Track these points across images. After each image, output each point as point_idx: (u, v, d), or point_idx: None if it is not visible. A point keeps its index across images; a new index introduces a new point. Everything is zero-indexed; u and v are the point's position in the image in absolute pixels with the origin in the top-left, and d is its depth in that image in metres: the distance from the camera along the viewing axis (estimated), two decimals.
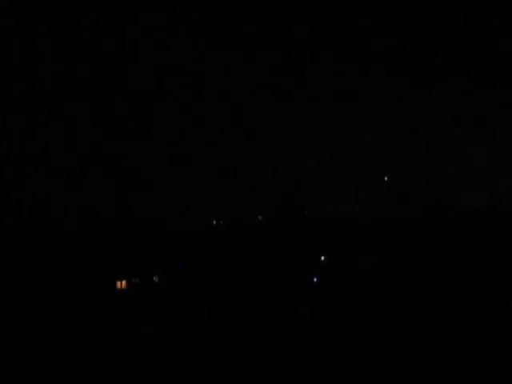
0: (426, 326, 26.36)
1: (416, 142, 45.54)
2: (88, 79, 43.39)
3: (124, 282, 39.33)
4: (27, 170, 41.05)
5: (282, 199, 44.01)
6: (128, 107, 44.21)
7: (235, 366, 22.44)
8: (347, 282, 36.18)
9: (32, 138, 41.96)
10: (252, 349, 24.08)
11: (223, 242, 41.77)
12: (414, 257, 38.27)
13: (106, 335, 27.22)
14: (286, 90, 46.27)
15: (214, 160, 44.64)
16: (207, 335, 26.52)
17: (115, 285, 39.16)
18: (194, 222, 44.34)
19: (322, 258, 40.54)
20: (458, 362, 21.70)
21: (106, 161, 43.00)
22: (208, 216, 44.84)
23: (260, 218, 45.14)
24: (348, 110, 45.86)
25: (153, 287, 39.53)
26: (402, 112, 45.73)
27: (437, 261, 37.29)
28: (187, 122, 45.15)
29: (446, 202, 44.47)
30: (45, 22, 41.66)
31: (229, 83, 46.12)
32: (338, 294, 33.95)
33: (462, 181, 45.04)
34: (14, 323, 28.09)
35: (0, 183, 39.68)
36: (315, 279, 38.00)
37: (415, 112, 45.89)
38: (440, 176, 44.96)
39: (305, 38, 45.42)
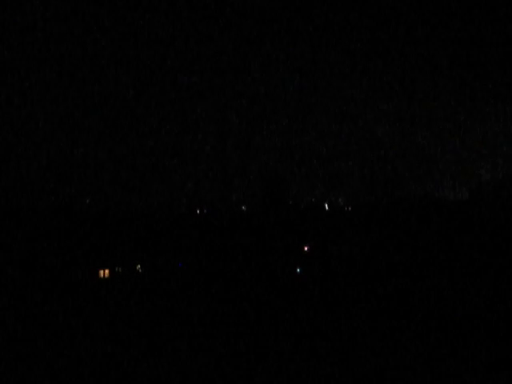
0: (411, 313, 26.60)
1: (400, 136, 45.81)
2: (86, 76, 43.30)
3: (107, 271, 39.21)
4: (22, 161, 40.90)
5: (266, 189, 44.07)
6: (122, 104, 44.15)
7: (216, 356, 22.51)
8: (329, 273, 36.37)
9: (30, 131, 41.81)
10: (232, 338, 24.14)
11: (206, 230, 41.75)
12: (399, 246, 38.56)
13: (89, 322, 27.12)
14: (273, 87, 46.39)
15: (200, 151, 44.66)
16: (189, 324, 26.53)
17: (98, 273, 39.04)
18: (178, 210, 44.32)
19: (306, 248, 40.72)
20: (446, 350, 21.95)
21: (94, 152, 42.91)
22: (192, 205, 44.85)
23: (244, 207, 45.27)
24: (333, 103, 45.99)
25: (136, 276, 39.47)
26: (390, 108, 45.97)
27: (420, 249, 37.60)
28: (176, 115, 45.09)
29: (428, 193, 44.87)
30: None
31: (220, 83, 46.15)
32: (320, 284, 34.09)
33: (445, 172, 45.42)
34: None
35: None
36: (298, 270, 38.14)
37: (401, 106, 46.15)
38: (424, 168, 45.30)
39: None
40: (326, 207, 45.75)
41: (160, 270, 39.22)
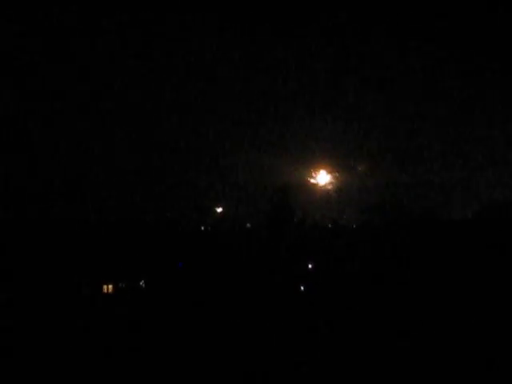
0: (417, 332, 26.46)
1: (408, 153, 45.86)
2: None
3: (111, 287, 39.17)
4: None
5: (271, 207, 44.07)
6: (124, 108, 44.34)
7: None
8: (334, 291, 36.23)
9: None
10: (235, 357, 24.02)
11: (211, 247, 41.67)
12: (402, 263, 38.43)
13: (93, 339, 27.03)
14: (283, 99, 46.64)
15: (205, 167, 44.78)
16: (192, 342, 26.45)
17: (102, 289, 39.00)
18: (183, 227, 44.30)
19: (310, 265, 40.62)
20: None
21: (97, 163, 43.00)
22: (196, 221, 44.88)
23: (248, 225, 45.27)
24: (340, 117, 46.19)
25: (139, 292, 39.41)
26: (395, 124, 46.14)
27: (424, 267, 37.46)
28: (182, 125, 45.30)
29: (435, 211, 44.74)
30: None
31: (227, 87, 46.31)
32: (324, 302, 33.99)
33: (452, 191, 45.35)
34: None
35: None
36: (302, 288, 38.03)
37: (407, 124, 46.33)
38: (430, 186, 45.27)
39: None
40: (331, 225, 45.74)
41: (162, 286, 39.17)
